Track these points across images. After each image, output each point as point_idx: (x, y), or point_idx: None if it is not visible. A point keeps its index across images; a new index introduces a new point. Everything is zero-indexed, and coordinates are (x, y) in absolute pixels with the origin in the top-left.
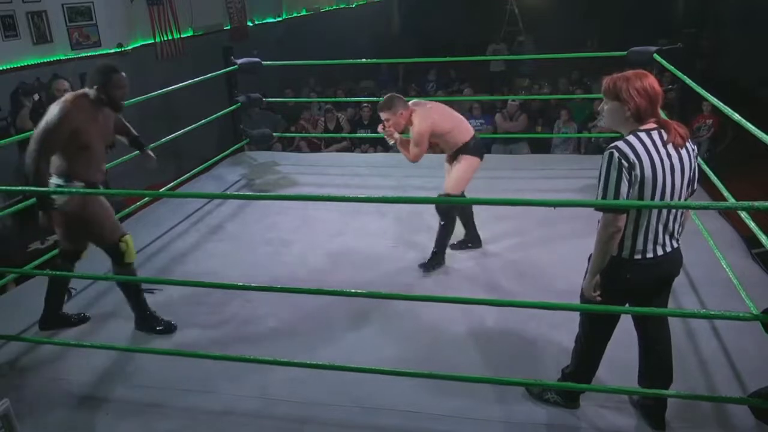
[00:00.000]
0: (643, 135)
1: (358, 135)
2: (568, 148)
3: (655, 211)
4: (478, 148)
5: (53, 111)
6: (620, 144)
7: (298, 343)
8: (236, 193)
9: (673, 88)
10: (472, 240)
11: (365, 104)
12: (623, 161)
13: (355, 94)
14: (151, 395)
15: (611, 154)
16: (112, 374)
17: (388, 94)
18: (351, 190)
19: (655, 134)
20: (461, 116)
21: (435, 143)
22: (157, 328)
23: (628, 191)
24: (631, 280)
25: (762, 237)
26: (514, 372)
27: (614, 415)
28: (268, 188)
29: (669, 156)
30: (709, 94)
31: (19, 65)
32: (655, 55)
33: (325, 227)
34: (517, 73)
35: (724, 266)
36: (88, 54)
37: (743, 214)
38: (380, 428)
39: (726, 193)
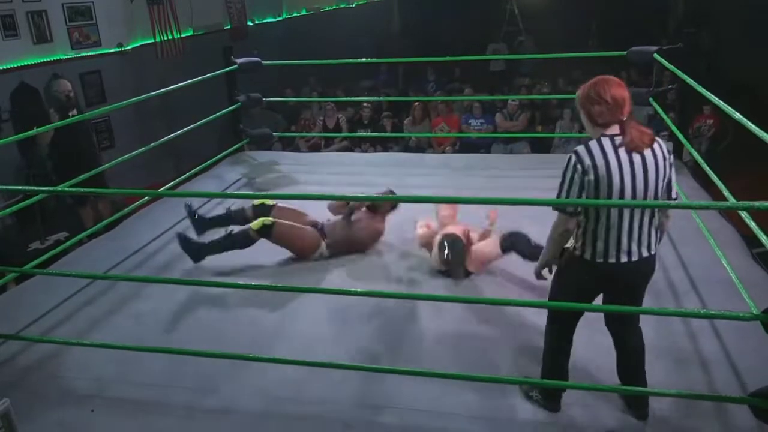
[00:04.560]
0: (605, 140)
1: (357, 135)
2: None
3: (614, 216)
4: None
5: None
6: (579, 148)
7: (298, 342)
8: (236, 192)
9: (672, 87)
10: None
11: (365, 104)
12: (578, 165)
13: (355, 94)
14: (151, 394)
15: (570, 158)
16: (112, 373)
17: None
18: (351, 189)
19: (618, 139)
20: None
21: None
22: None
23: (579, 195)
24: (590, 281)
25: (762, 237)
26: (514, 371)
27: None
28: (268, 188)
29: (630, 161)
30: (709, 94)
31: (19, 65)
32: (656, 55)
33: None
34: (517, 72)
35: (725, 266)
36: (88, 54)
37: (743, 214)
38: (380, 427)
39: (726, 193)
